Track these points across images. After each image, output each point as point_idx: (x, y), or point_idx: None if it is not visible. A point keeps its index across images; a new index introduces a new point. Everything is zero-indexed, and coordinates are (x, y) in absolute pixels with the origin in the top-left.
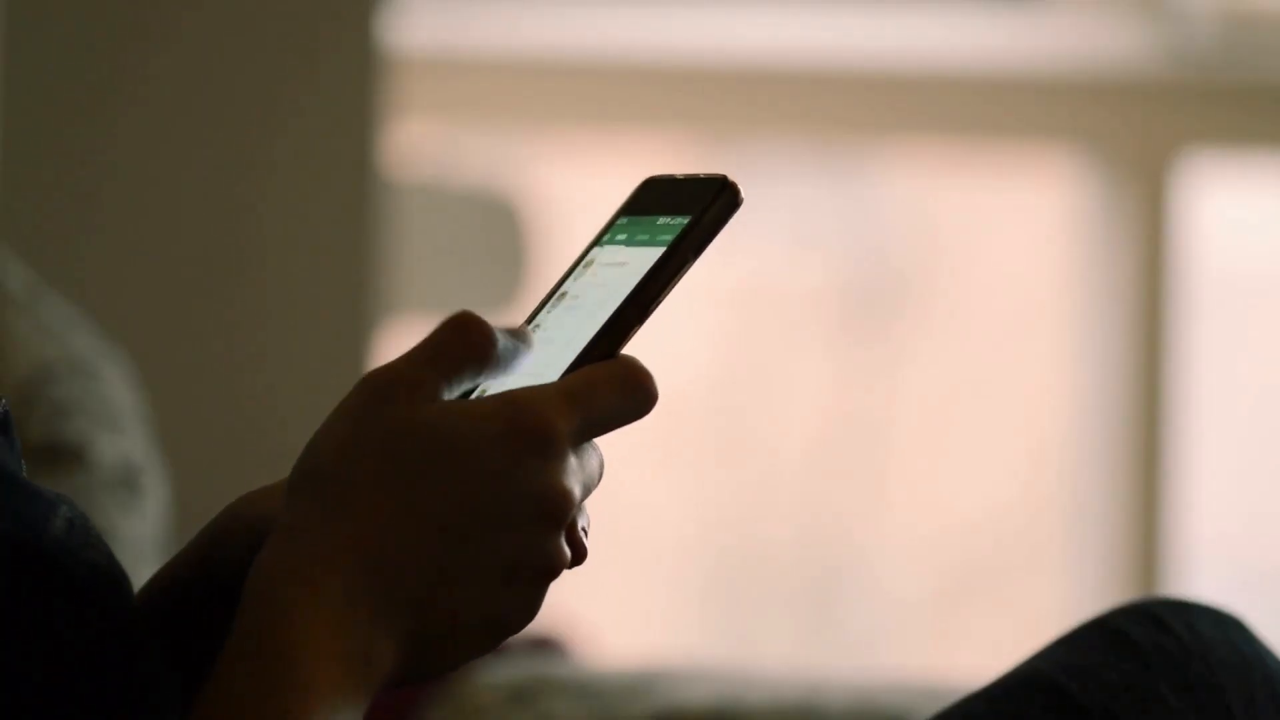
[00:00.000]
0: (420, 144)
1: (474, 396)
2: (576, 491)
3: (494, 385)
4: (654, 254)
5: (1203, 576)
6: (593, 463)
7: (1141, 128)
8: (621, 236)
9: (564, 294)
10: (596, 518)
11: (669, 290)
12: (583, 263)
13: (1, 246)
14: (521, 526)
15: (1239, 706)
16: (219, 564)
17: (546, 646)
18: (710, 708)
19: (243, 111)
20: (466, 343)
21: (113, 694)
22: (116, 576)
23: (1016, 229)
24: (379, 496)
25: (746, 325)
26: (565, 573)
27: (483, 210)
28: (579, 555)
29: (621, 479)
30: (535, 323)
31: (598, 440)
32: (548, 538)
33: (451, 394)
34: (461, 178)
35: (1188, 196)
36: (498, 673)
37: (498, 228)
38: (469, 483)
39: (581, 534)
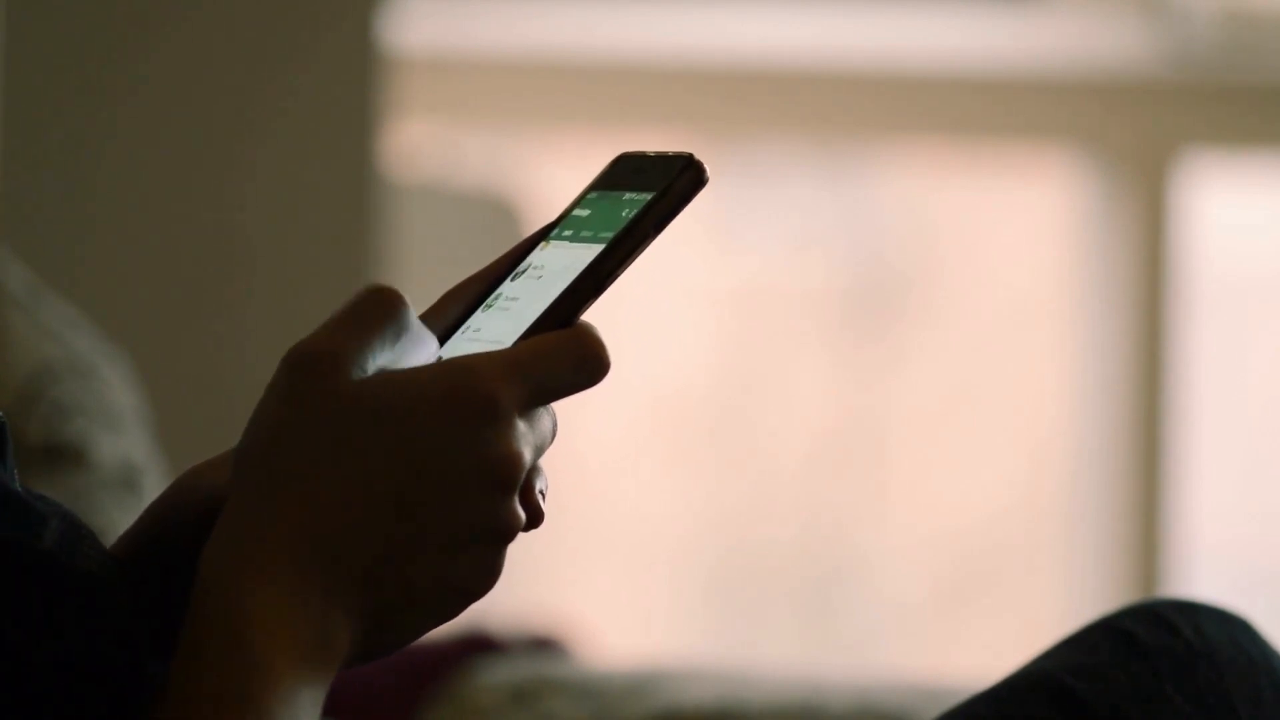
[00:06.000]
0: (420, 144)
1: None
2: (527, 455)
3: (411, 352)
4: (616, 228)
5: (1202, 578)
6: (544, 425)
7: (1141, 128)
8: (589, 211)
9: (530, 264)
10: (595, 517)
11: (628, 264)
12: (551, 233)
13: (1, 246)
14: (470, 493)
15: (1245, 708)
16: (168, 539)
17: (546, 646)
18: (710, 708)
19: (243, 112)
20: (378, 304)
21: (109, 701)
22: (111, 584)
23: (1016, 229)
24: (320, 473)
25: (747, 325)
26: (564, 570)
27: (483, 210)
28: (535, 517)
29: (622, 479)
30: (499, 292)
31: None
32: (500, 502)
33: (373, 358)
34: (461, 178)
35: (1187, 196)
36: (498, 673)
37: (498, 228)
38: (412, 452)
39: (539, 496)
